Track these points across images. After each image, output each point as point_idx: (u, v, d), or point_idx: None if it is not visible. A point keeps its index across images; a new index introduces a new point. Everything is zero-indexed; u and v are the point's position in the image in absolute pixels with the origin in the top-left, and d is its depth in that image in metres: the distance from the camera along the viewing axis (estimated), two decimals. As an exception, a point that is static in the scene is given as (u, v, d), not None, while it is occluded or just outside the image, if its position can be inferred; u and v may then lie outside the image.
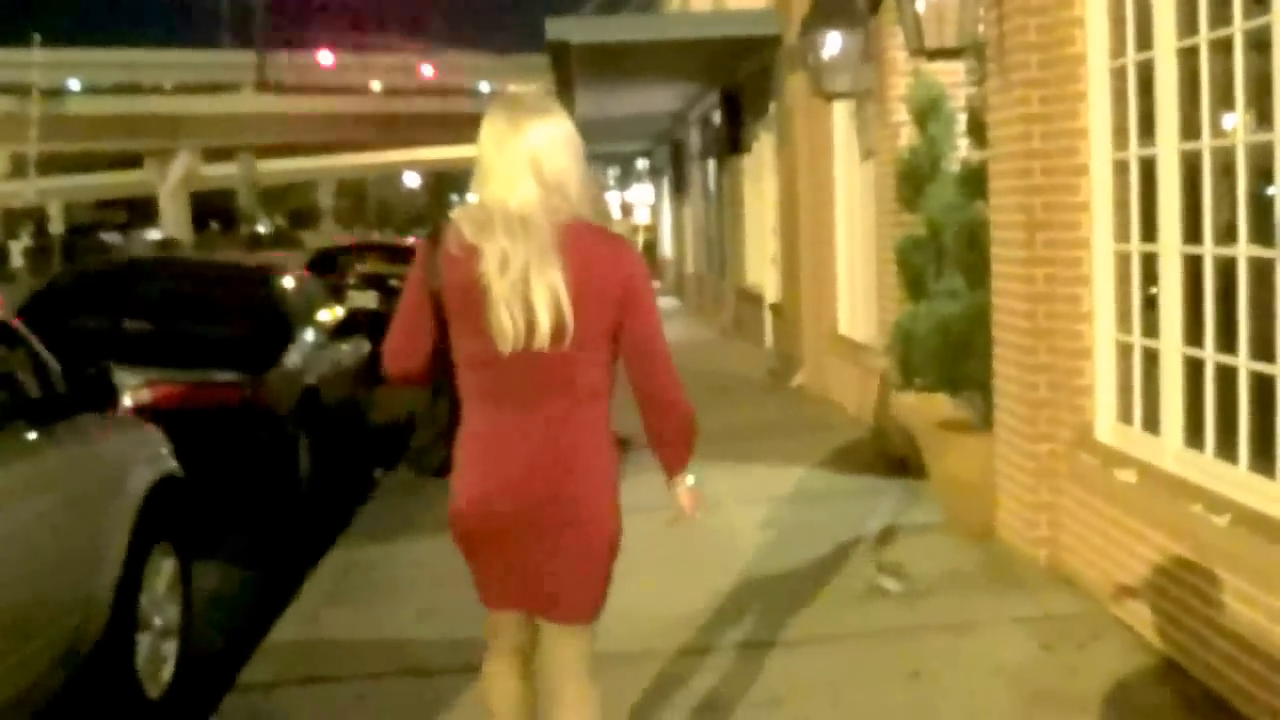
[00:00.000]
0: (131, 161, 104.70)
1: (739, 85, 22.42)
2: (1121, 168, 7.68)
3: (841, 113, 14.97)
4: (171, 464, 7.41)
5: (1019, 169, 8.22)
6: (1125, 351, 7.76)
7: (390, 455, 13.66)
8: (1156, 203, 7.14)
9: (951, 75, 11.17)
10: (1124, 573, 7.15)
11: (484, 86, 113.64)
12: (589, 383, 4.29)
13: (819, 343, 16.20)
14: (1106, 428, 7.92)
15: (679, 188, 38.25)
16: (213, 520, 9.89)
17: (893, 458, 11.43)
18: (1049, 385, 8.16)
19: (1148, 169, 7.30)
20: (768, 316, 21.34)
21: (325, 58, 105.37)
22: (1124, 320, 7.77)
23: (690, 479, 4.63)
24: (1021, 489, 8.43)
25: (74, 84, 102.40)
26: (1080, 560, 7.83)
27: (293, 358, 11.86)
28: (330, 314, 14.05)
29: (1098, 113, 7.83)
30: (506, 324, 4.15)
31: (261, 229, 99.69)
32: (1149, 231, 7.32)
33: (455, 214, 4.37)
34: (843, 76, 12.44)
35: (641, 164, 52.12)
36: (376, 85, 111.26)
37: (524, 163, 4.20)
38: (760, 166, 22.26)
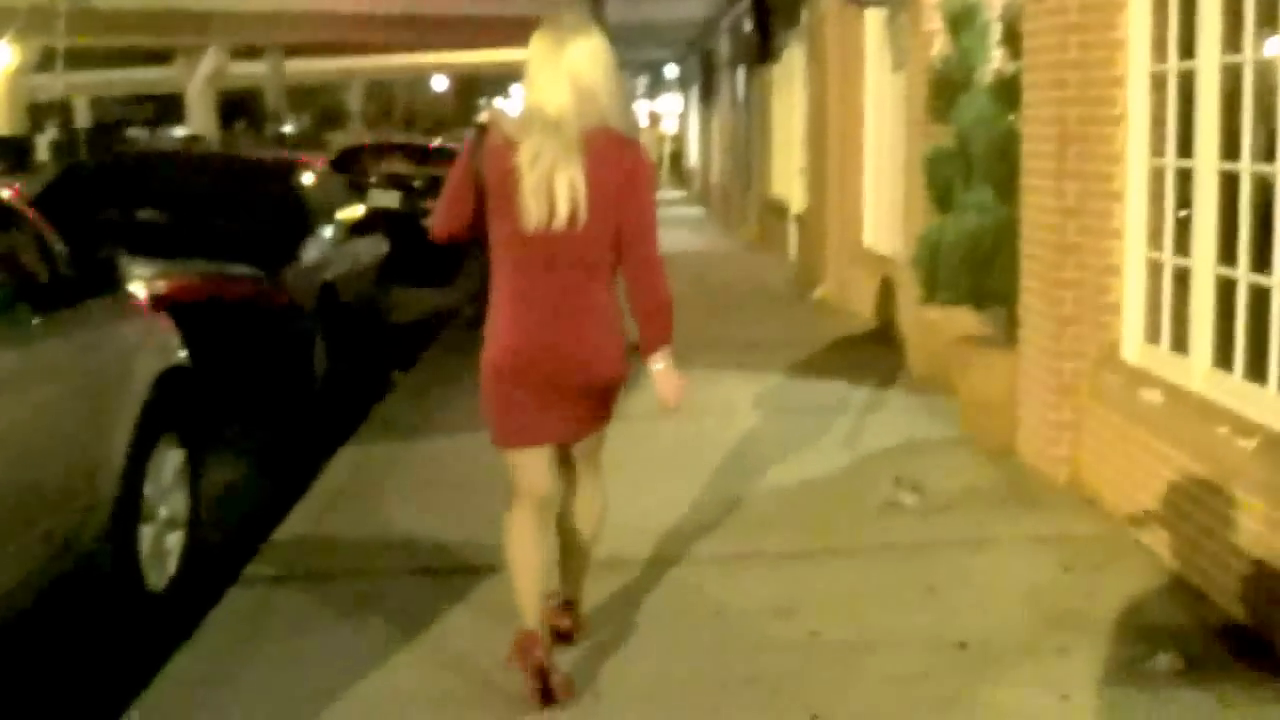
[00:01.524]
0: (161, 58, 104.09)
1: (770, -7, 22.17)
2: (1159, 81, 7.50)
3: (874, 22, 14.74)
4: (181, 354, 7.28)
5: (1054, 80, 8.03)
6: (1155, 270, 7.60)
7: (408, 356, 13.59)
8: (1194, 118, 6.97)
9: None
10: (1146, 494, 7.02)
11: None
12: (599, 259, 5.17)
13: (842, 254, 16.03)
14: (1133, 347, 7.77)
15: (707, 97, 37.95)
16: (225, 413, 9.83)
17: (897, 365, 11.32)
18: (1075, 302, 8.01)
19: (1187, 83, 7.12)
20: (792, 227, 21.14)
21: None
22: (1155, 238, 7.61)
23: (662, 364, 5.33)
24: (1044, 407, 8.29)
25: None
26: (1101, 480, 7.70)
27: (310, 253, 11.75)
28: (351, 211, 13.92)
29: (1137, 23, 7.63)
30: (532, 208, 5.04)
31: (288, 129, 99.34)
32: (1185, 147, 7.14)
33: (494, 116, 5.29)
34: (877, -16, 12.21)
35: (670, 73, 51.76)
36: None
37: (563, 75, 5.06)
38: (790, 77, 22.02)
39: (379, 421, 10.50)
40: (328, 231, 12.51)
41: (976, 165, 10.28)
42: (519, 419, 5.33)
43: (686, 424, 9.61)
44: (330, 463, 9.17)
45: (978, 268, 9.11)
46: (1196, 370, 6.92)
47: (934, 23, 11.14)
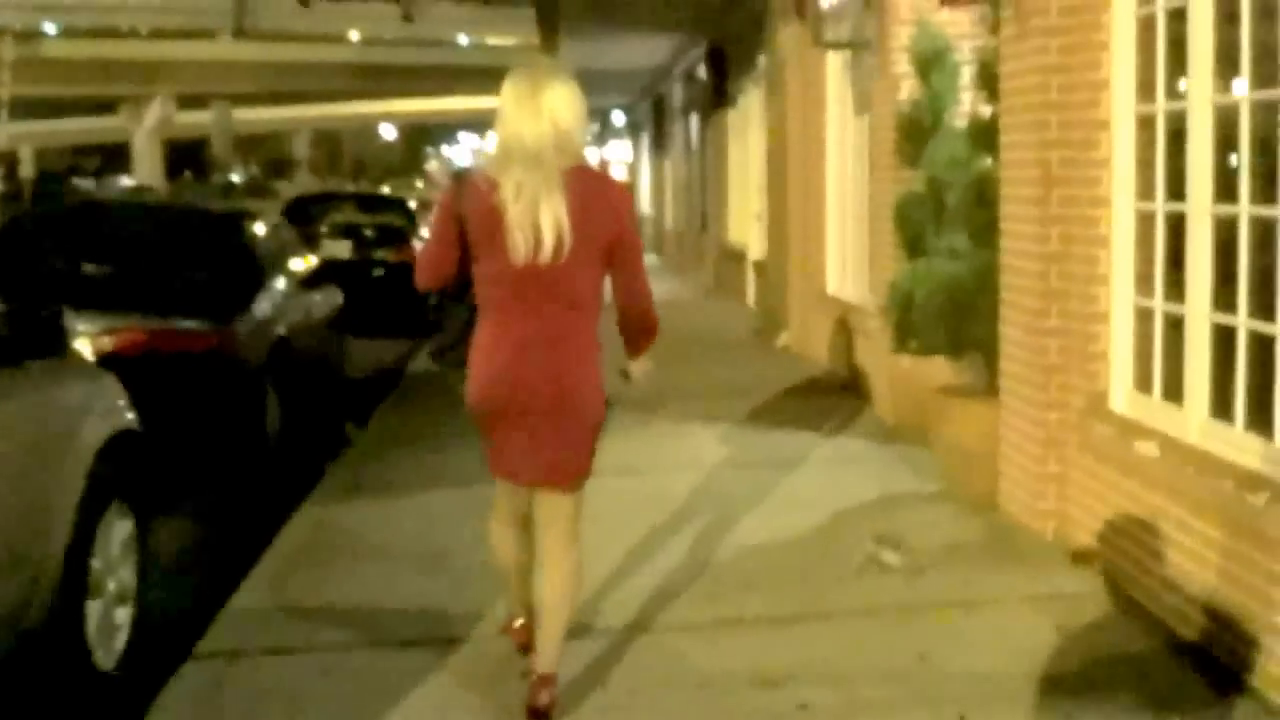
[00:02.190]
0: (107, 107, 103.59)
1: (726, 38, 21.92)
2: (1146, 122, 7.24)
3: (835, 65, 14.49)
4: (129, 416, 6.91)
5: (1035, 122, 7.77)
6: (1144, 316, 7.33)
7: (363, 411, 13.23)
8: (1184, 159, 6.71)
9: (955, 26, 10.74)
10: (1142, 550, 6.73)
11: (462, 39, 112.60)
12: (582, 295, 5.34)
13: (806, 301, 15.74)
14: (1122, 396, 7.49)
15: (659, 144, 37.73)
16: (175, 476, 9.46)
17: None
18: (1060, 350, 7.73)
19: (1176, 123, 6.87)
20: (750, 274, 20.89)
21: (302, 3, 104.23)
22: (1143, 283, 7.34)
23: (640, 363, 5.81)
24: (1028, 459, 8.01)
25: (49, 27, 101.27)
26: (1092, 535, 7.39)
27: (263, 306, 11.37)
28: (303, 262, 13.56)
29: (1122, 63, 7.38)
30: (519, 240, 5.19)
31: (235, 178, 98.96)
32: (1174, 190, 6.88)
33: (478, 163, 5.73)
34: (843, 25, 11.95)
35: (619, 120, 51.54)
36: (355, 34, 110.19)
37: (543, 114, 5.22)
38: (746, 122, 21.80)
39: (335, 482, 10.13)
40: (280, 283, 12.14)
41: (948, 211, 10.07)
42: (496, 450, 5.57)
43: (654, 479, 9.35)
44: (285, 527, 8.79)
45: (955, 315, 8.85)
46: (1193, 421, 6.65)
47: (901, 65, 10.91)
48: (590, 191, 5.31)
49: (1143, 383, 7.34)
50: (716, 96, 23.77)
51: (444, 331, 5.80)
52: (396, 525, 8.79)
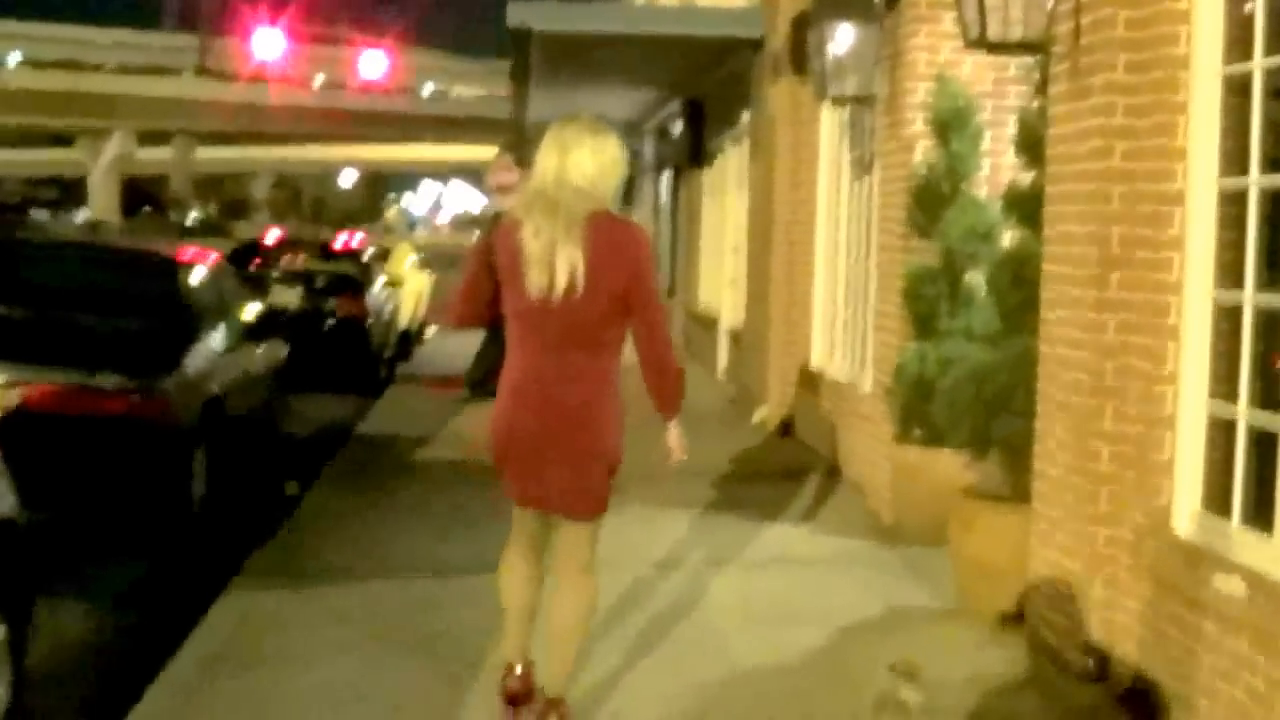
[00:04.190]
0: (68, 140, 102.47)
1: (706, 93, 20.91)
2: (1233, 199, 6.18)
3: (832, 124, 13.44)
4: (6, 503, 5.76)
5: (1092, 193, 6.70)
6: (1220, 425, 6.26)
7: (308, 469, 12.11)
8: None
9: (979, 84, 9.72)
10: (1223, 707, 5.64)
11: (428, 88, 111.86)
12: (602, 337, 5.64)
13: (787, 376, 14.61)
14: (1187, 517, 6.40)
15: (627, 201, 36.71)
16: (77, 556, 8.32)
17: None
18: (1115, 458, 6.64)
19: (1271, 201, 5.83)
20: (723, 342, 19.78)
21: (270, 48, 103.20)
22: (1221, 386, 6.27)
23: (672, 426, 5.96)
24: (1069, 580, 6.90)
25: (13, 57, 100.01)
26: (1156, 677, 6.29)
27: (195, 362, 10.22)
28: (246, 312, 12.44)
29: (1202, 129, 6.32)
30: (534, 277, 5.53)
31: (193, 217, 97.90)
32: (1268, 278, 5.83)
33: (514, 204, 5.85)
34: (850, 79, 10.87)
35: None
36: (320, 79, 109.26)
37: (565, 164, 5.64)
38: (723, 181, 20.75)
39: (267, 562, 8.94)
40: (217, 336, 11.00)
41: (966, 287, 9.06)
42: (511, 477, 5.84)
43: (624, 579, 8.25)
44: (204, 620, 7.62)
45: (985, 409, 7.74)
46: (1287, 555, 5.57)
47: (916, 125, 9.86)
48: (610, 238, 5.60)
49: (1217, 503, 6.25)
50: (692, 154, 22.73)
51: (476, 365, 6.45)
52: (334, 616, 7.74)
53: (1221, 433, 6.25)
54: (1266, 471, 5.81)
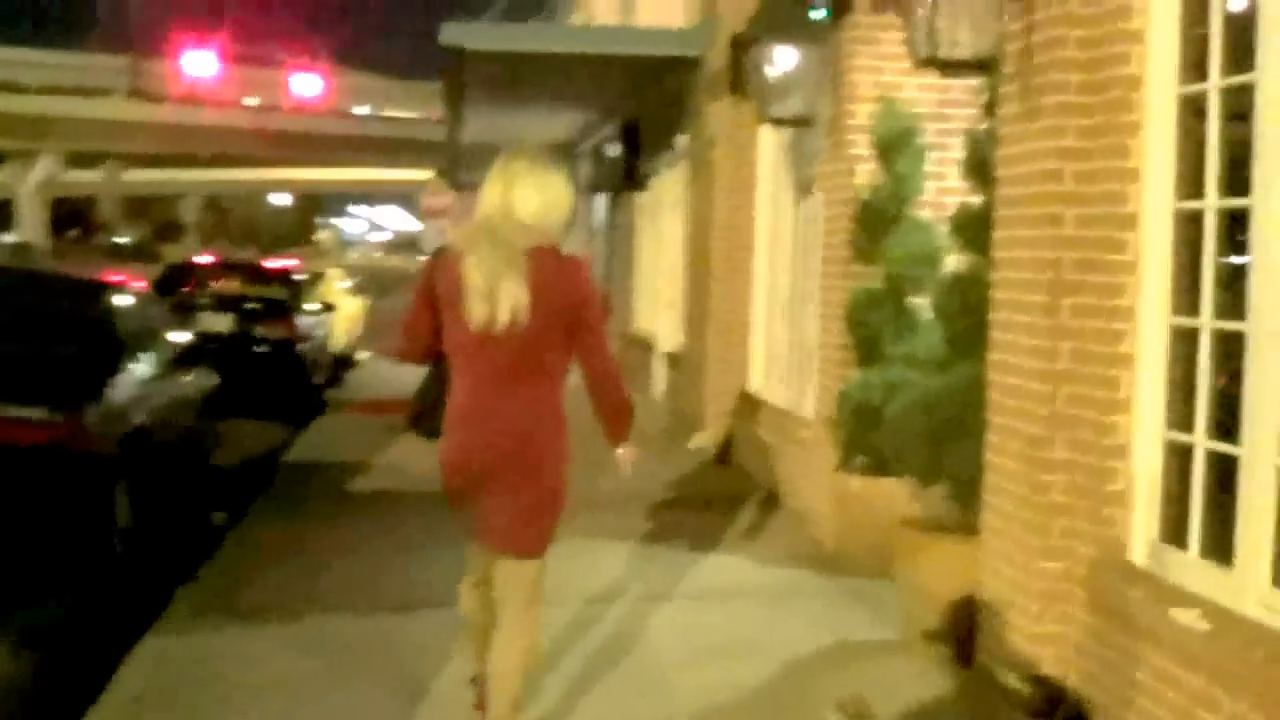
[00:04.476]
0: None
1: (643, 114, 20.71)
2: (1189, 220, 6.02)
3: (771, 145, 13.28)
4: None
5: (1043, 216, 6.52)
6: (1177, 453, 6.09)
7: (237, 498, 11.82)
8: (1243, 267, 5.51)
9: (923, 105, 9.57)
10: (1182, 750, 5.46)
11: (362, 109, 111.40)
12: (545, 371, 5.60)
13: (725, 401, 14.41)
14: (1143, 549, 6.22)
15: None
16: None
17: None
18: (1067, 489, 6.45)
19: (1233, 223, 5.67)
20: (658, 367, 19.57)
21: (201, 68, 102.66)
22: (1176, 413, 6.09)
23: (623, 448, 5.98)
24: (1020, 614, 6.71)
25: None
26: (1112, 713, 6.11)
27: (118, 391, 9.90)
28: (174, 338, 12.14)
29: (1157, 150, 6.15)
30: (476, 310, 5.48)
31: (122, 240, 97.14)
32: (1232, 305, 5.66)
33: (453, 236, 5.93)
34: (792, 100, 10.69)
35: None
36: (252, 101, 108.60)
37: (509, 198, 5.61)
38: (658, 204, 20.57)
39: (194, 597, 8.66)
40: (142, 363, 10.69)
41: (910, 312, 8.90)
42: (459, 511, 5.84)
43: (562, 614, 8.00)
44: (123, 665, 7.31)
45: (934, 438, 7.54)
46: (1249, 587, 5.39)
47: (859, 147, 9.68)
48: (553, 273, 5.56)
49: (1173, 535, 6.08)
50: (628, 176, 22.51)
51: (419, 399, 6.14)
52: (262, 661, 7.41)
53: (1178, 462, 6.08)
54: (1225, 501, 5.65)
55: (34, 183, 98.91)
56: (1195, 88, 5.96)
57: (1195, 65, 5.97)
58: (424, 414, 6.00)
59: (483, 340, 5.51)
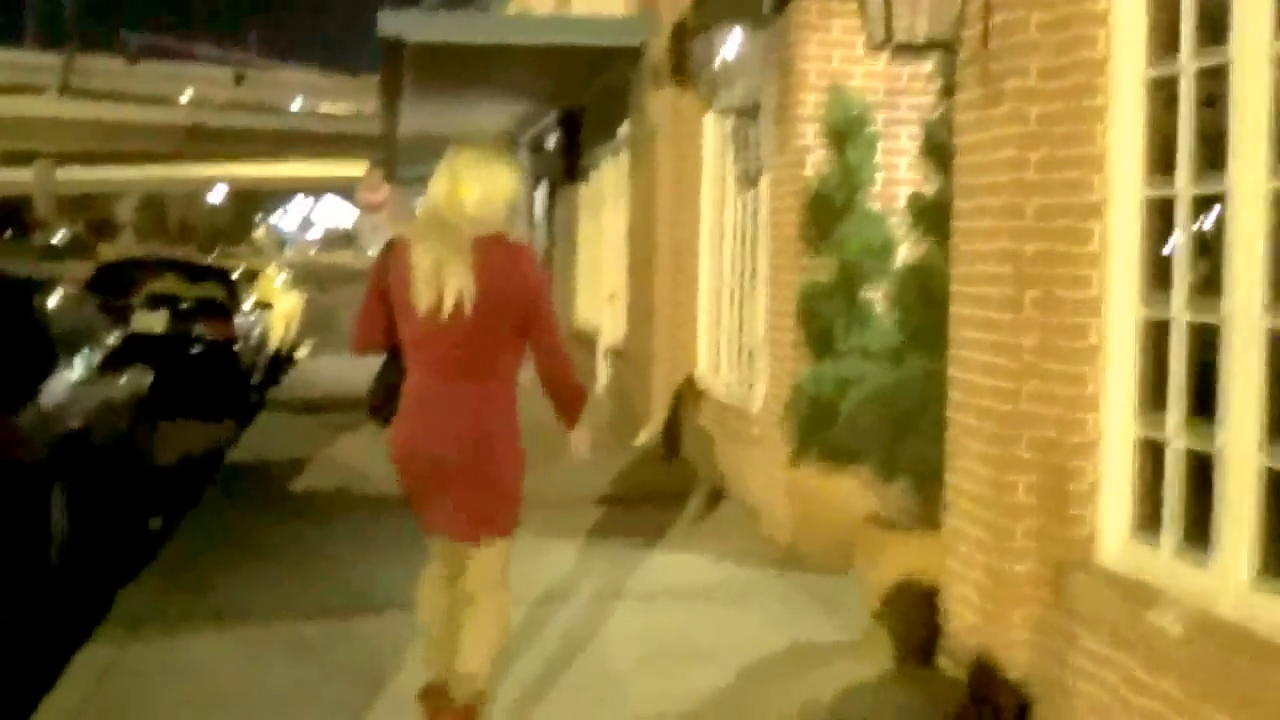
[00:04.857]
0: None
1: (583, 105, 20.47)
2: (1158, 208, 5.83)
3: (716, 134, 13.07)
4: None
5: (1005, 206, 6.33)
6: (1147, 450, 5.91)
7: (176, 501, 11.54)
8: (1217, 257, 5.33)
9: (872, 93, 9.38)
10: (1161, 755, 5.28)
11: (297, 103, 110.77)
12: (494, 363, 5.65)
13: (672, 396, 14.18)
14: (1113, 549, 6.04)
15: (501, 217, 36.15)
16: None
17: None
18: (1032, 488, 6.27)
19: (1204, 210, 5.49)
20: (601, 361, 19.33)
21: (135, 64, 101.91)
22: (1148, 407, 5.91)
23: (577, 431, 6.08)
24: (984, 616, 6.53)
25: None
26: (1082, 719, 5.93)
27: (51, 393, 9.61)
28: (107, 338, 11.84)
29: (1124, 136, 5.97)
30: (423, 295, 5.53)
31: (58, 239, 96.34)
32: (1203, 295, 5.48)
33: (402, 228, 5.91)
34: (737, 89, 10.46)
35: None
36: (186, 96, 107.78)
37: (455, 188, 5.66)
38: (600, 196, 20.34)
39: (131, 609, 8.37)
40: (75, 366, 10.39)
41: (862, 304, 8.72)
42: (418, 506, 5.88)
43: (513, 615, 7.70)
44: (61, 679, 7.05)
45: (893, 433, 7.34)
46: (1228, 587, 5.21)
47: (808, 136, 9.47)
48: (500, 260, 5.62)
49: (1143, 534, 5.90)
50: (568, 167, 22.28)
51: (377, 388, 6.05)
52: (203, 672, 7.20)
53: (1149, 458, 5.89)
54: (1200, 499, 5.47)
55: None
56: (1164, 70, 5.77)
57: (1164, 46, 5.78)
58: (382, 403, 5.94)
59: (431, 330, 5.57)
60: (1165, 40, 5.76)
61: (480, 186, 5.67)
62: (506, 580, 5.94)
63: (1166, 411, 5.70)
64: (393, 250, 5.77)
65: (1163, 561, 5.68)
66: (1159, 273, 5.84)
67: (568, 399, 5.98)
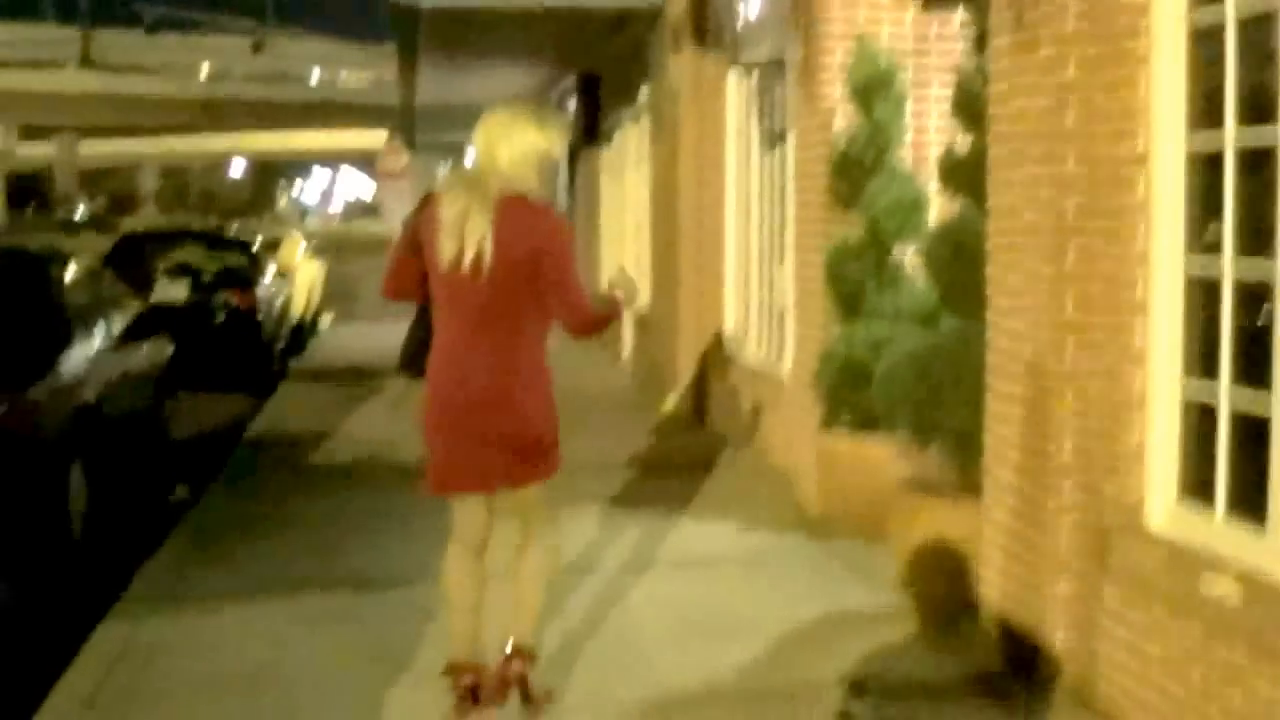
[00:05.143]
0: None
1: (602, 68, 20.24)
2: (1205, 159, 5.60)
3: (740, 93, 12.82)
4: None
5: (1044, 155, 6.10)
6: (1198, 408, 5.69)
7: (199, 472, 11.38)
8: (1270, 205, 5.10)
9: (900, 42, 9.15)
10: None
11: (315, 74, 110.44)
12: (517, 320, 5.67)
13: (698, 361, 13.97)
14: (1162, 512, 5.82)
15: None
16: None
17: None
18: (1077, 449, 6.05)
19: (1254, 160, 5.26)
20: (626, 328, 19.12)
21: (155, 36, 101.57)
22: (1196, 364, 5.69)
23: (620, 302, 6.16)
24: (1025, 584, 6.32)
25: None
26: (1129, 692, 5.71)
27: (68, 368, 9.43)
28: (126, 309, 11.66)
29: (1167, 82, 5.74)
30: (445, 246, 5.65)
31: (80, 213, 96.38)
32: (1256, 245, 5.26)
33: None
34: (760, 46, 10.21)
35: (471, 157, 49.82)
36: (205, 68, 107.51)
37: (488, 147, 5.77)
38: (622, 160, 20.13)
39: (152, 582, 8.22)
40: (92, 338, 10.21)
41: (893, 264, 8.53)
42: (442, 466, 5.82)
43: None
44: (81, 653, 6.89)
45: (928, 396, 7.12)
46: (1283, 551, 5.00)
47: (835, 92, 9.24)
48: (519, 217, 5.66)
49: (1194, 495, 5.68)
50: (588, 132, 22.05)
51: (409, 342, 6.47)
52: (225, 648, 7.03)
53: (1199, 416, 5.68)
54: (1252, 458, 5.26)
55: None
56: (1208, 12, 5.54)
57: (1207, -11, 5.56)
58: (414, 357, 6.11)
59: (454, 283, 5.65)
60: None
61: (508, 146, 5.73)
62: (552, 512, 6.09)
63: (1217, 371, 5.48)
64: (427, 204, 5.91)
65: (1215, 527, 5.45)
66: (1205, 228, 5.62)
67: (604, 328, 6.10)
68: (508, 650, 5.96)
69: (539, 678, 6.08)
